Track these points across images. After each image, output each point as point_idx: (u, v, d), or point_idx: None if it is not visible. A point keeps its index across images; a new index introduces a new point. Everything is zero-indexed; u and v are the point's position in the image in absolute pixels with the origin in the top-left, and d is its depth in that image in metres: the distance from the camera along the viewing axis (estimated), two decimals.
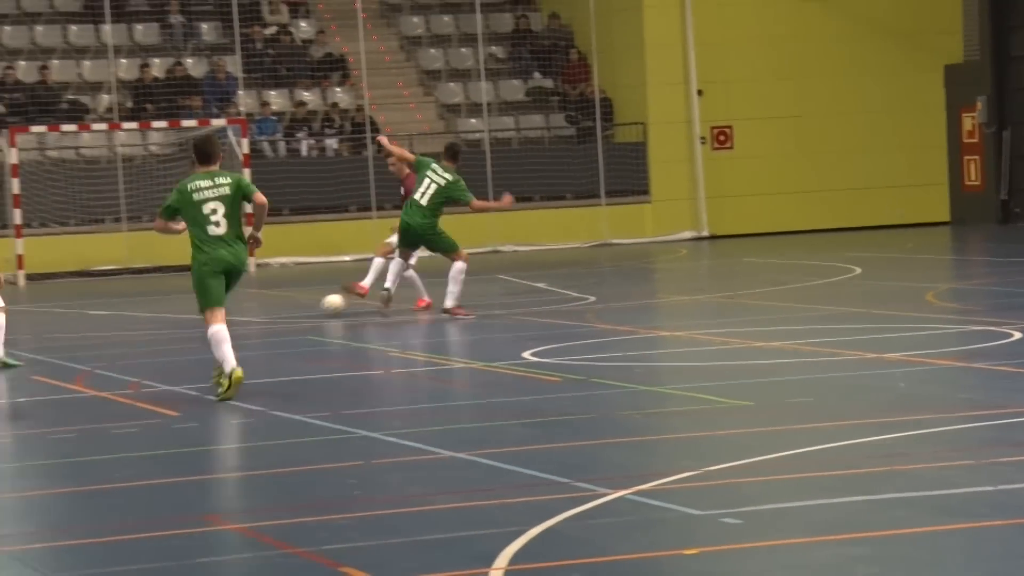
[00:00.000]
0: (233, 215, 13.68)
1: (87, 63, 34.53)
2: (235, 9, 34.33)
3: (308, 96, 35.33)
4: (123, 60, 34.55)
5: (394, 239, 20.38)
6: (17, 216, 29.95)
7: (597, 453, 10.82)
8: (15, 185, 29.95)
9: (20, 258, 29.87)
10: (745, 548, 8.14)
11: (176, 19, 35.51)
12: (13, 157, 30.05)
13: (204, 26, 35.76)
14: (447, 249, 19.70)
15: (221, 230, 13.55)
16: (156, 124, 32.33)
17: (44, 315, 23.70)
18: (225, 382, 13.40)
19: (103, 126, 32.38)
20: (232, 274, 13.81)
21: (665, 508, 8.97)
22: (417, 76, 36.76)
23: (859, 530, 8.27)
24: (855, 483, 9.41)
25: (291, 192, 32.82)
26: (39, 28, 34.91)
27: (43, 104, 32.96)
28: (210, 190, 13.64)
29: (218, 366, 13.55)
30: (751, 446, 10.69)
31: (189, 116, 32.76)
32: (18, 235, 29.90)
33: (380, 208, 33.25)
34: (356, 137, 34.24)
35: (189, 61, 34.90)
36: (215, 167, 13.82)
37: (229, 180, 13.78)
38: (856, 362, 14.33)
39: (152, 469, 10.91)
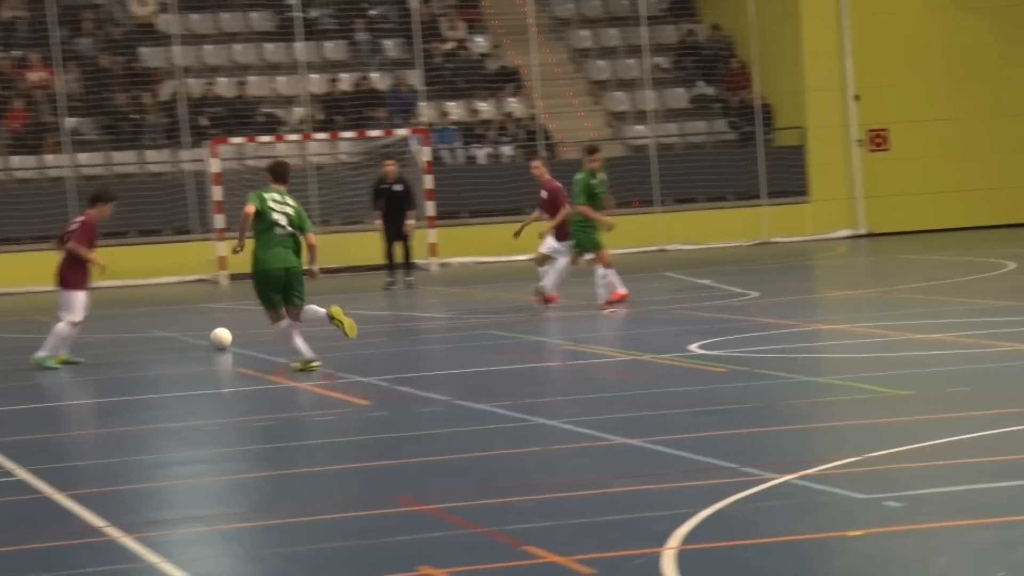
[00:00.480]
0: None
1: (281, 79, 35.03)
2: (416, 26, 34.62)
3: (484, 106, 35.49)
4: (314, 75, 35.00)
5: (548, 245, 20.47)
6: (219, 221, 30.47)
7: (763, 440, 10.75)
8: (217, 192, 30.48)
9: (222, 259, 30.39)
10: (907, 530, 8.04)
11: (362, 36, 35.88)
12: (215, 166, 30.61)
13: (388, 43, 36.08)
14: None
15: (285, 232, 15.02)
16: (345, 134, 32.72)
17: (244, 312, 24.09)
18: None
19: (296, 137, 32.84)
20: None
21: (829, 492, 8.88)
22: (586, 86, 36.75)
23: (1018, 513, 8.13)
24: (1014, 468, 9.24)
25: (469, 196, 33.03)
26: (237, 47, 35.49)
27: (241, 117, 33.52)
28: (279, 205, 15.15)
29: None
30: (911, 433, 10.55)
31: (374, 127, 33.09)
32: (220, 238, 30.42)
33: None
34: (529, 144, 34.32)
35: (374, 75, 35.25)
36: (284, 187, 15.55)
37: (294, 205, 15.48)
38: (1012, 353, 14.07)
39: (347, 454, 11.05)
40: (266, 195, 15.33)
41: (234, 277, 30.27)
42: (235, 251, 15.72)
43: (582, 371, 15.10)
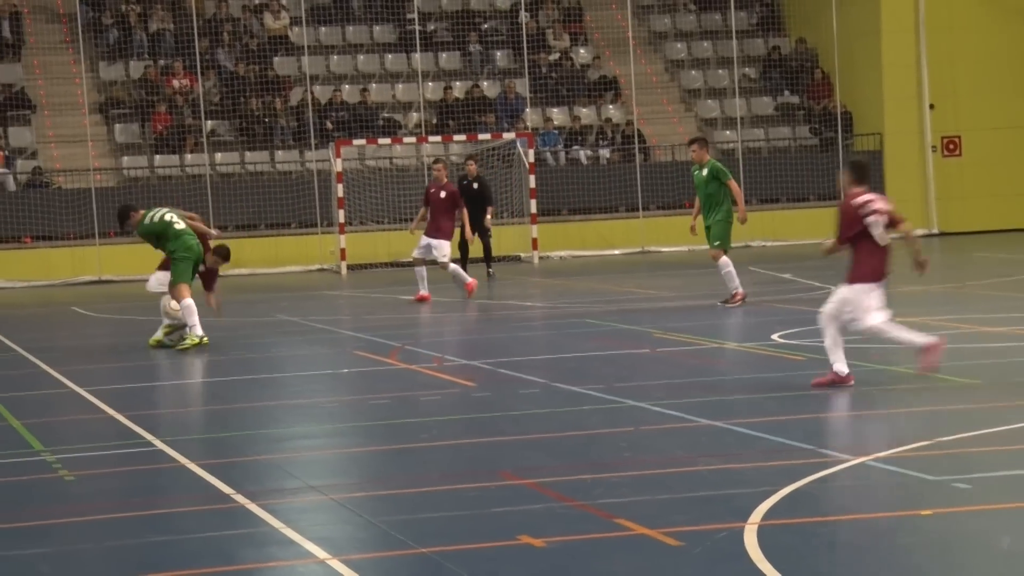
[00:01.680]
0: None
1: (400, 86, 35.15)
2: (524, 39, 34.59)
3: (585, 112, 35.39)
4: (430, 83, 35.08)
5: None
6: (341, 215, 30.63)
7: (839, 424, 10.59)
8: (339, 189, 30.64)
9: (343, 251, 30.56)
10: (975, 511, 7.88)
11: (474, 48, 35.91)
12: (338, 166, 30.77)
13: (498, 53, 36.08)
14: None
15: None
16: (456, 137, 32.75)
17: (363, 299, 24.21)
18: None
19: (412, 139, 32.91)
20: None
21: (901, 474, 8.72)
22: (679, 94, 36.54)
23: None
24: None
25: (570, 195, 32.99)
26: (361, 57, 35.66)
27: (363, 121, 33.66)
28: None
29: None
30: (980, 419, 10.34)
31: (484, 131, 33.09)
32: (341, 231, 30.59)
33: (646, 209, 33.18)
34: (626, 148, 34.19)
35: (485, 84, 35.26)
36: None
37: None
38: None
39: (453, 431, 11.04)
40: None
41: (351, 267, 30.44)
42: None
43: (670, 357, 14.99)
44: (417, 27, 34.61)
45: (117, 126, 33.20)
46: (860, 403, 11.43)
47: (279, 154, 33.30)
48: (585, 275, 26.64)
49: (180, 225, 17.16)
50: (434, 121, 34.27)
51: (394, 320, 20.10)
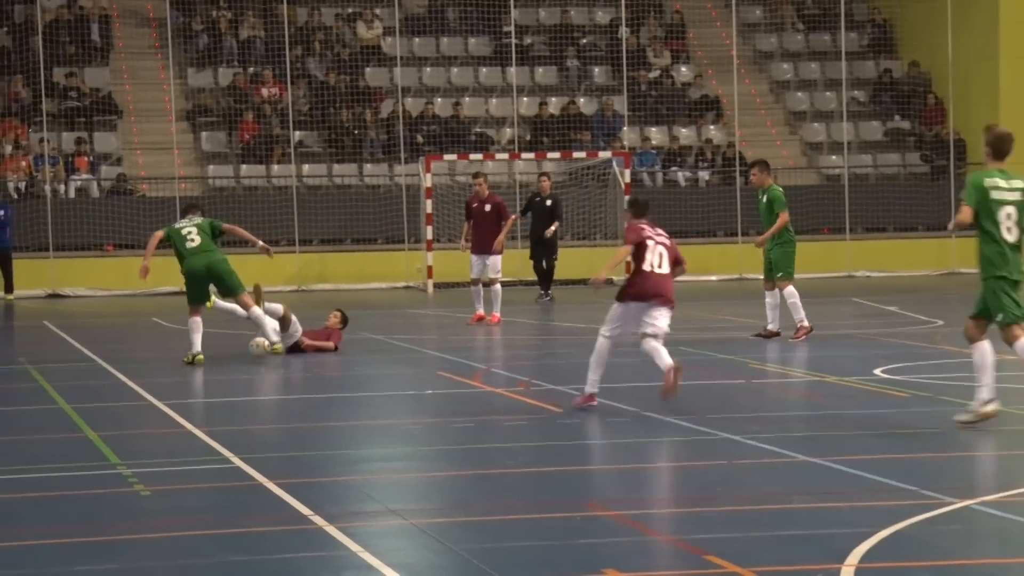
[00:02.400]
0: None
1: (493, 100, 35.29)
2: (624, 55, 34.60)
3: (684, 133, 35.32)
4: (524, 98, 35.19)
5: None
6: (428, 232, 30.76)
7: (943, 464, 10.46)
8: (428, 205, 30.76)
9: (429, 269, 30.66)
10: None
11: (572, 63, 35.97)
12: (428, 181, 30.89)
13: (596, 69, 36.14)
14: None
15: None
16: (551, 155, 32.79)
17: (449, 319, 24.28)
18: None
19: (505, 156, 33.02)
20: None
21: (1009, 519, 8.59)
22: (784, 116, 36.36)
23: None
24: None
25: (666, 217, 32.82)
26: (454, 70, 35.85)
27: (454, 136, 33.83)
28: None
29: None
30: None
31: (579, 148, 33.12)
32: (428, 248, 30.70)
33: (746, 234, 33.02)
34: (726, 170, 34.07)
35: (581, 100, 35.31)
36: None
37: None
38: None
39: (538, 458, 11.02)
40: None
41: (438, 286, 30.53)
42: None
43: (767, 390, 14.88)
44: (513, 40, 34.73)
45: (203, 134, 33.62)
46: (966, 444, 11.28)
47: (367, 167, 33.53)
48: (679, 301, 26.45)
49: (192, 243, 17.61)
50: (528, 137, 34.35)
51: (479, 341, 20.13)
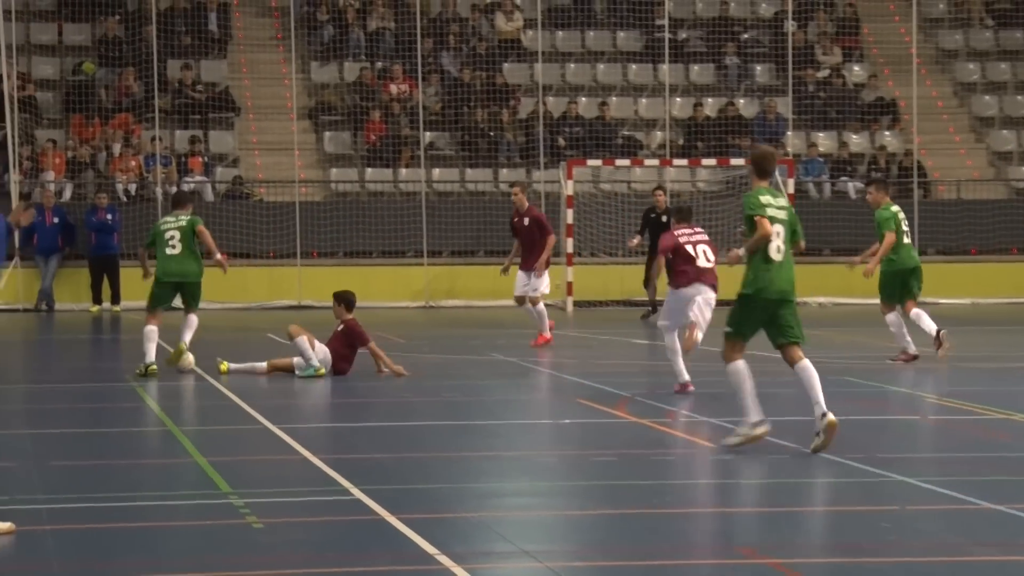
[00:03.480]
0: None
1: (643, 101, 35.28)
2: (790, 52, 34.39)
3: (856, 139, 35.02)
4: (678, 99, 35.14)
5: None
6: (569, 245, 30.81)
7: None
8: (569, 215, 30.83)
9: (569, 285, 30.69)
10: None
11: (731, 61, 35.85)
12: (569, 188, 30.95)
13: (758, 68, 35.97)
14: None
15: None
16: (705, 161, 32.71)
17: (590, 341, 24.26)
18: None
19: (655, 162, 32.99)
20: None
21: None
22: (969, 122, 35.90)
23: None
24: None
25: (834, 232, 32.59)
26: (601, 67, 35.89)
27: (599, 139, 33.87)
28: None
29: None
30: None
31: (737, 155, 32.98)
32: (569, 263, 30.75)
33: (923, 253, 32.55)
34: (903, 182, 33.67)
35: (741, 101, 35.17)
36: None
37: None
38: None
39: (688, 497, 10.98)
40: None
41: (578, 304, 30.55)
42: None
43: (945, 427, 14.68)
44: (667, 35, 34.70)
45: (327, 134, 34.02)
46: None
47: (503, 172, 33.68)
48: (848, 326, 26.26)
49: (173, 249, 18.84)
50: (680, 142, 34.29)
51: (624, 366, 20.09)
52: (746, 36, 36.28)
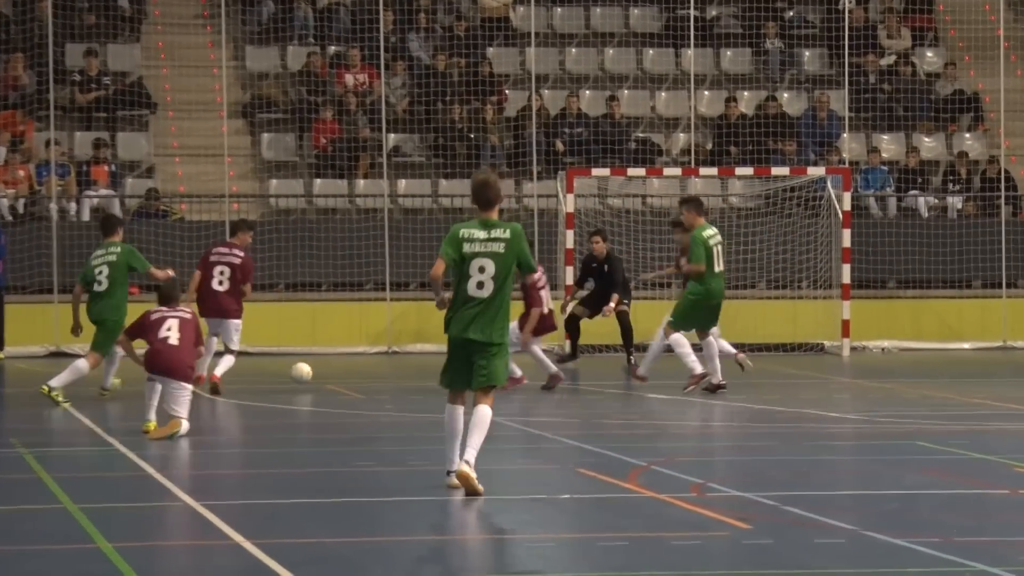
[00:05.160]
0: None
1: (662, 94, 35.38)
2: (845, 34, 34.48)
3: (928, 142, 35.13)
4: (706, 92, 35.25)
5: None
6: (568, 275, 30.79)
7: None
8: (569, 237, 30.82)
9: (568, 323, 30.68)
10: None
11: (772, 45, 35.95)
12: (569, 204, 30.93)
13: (807, 53, 36.09)
14: None
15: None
16: (740, 171, 32.68)
17: (594, 394, 24.26)
18: None
19: (675, 171, 32.95)
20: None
21: None
22: None
23: None
24: None
25: (901, 260, 32.68)
26: (609, 51, 35.99)
27: (607, 142, 33.88)
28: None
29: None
30: None
31: (780, 163, 33.05)
32: (568, 294, 30.71)
33: (1013, 286, 32.70)
34: (988, 196, 33.78)
35: (785, 96, 35.28)
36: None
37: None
38: None
39: None
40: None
41: (581, 349, 30.55)
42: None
43: None
44: (692, 12, 34.83)
45: (265, 136, 34.09)
46: None
47: None
48: (919, 377, 26.29)
49: (100, 286, 20.68)
50: (708, 146, 34.37)
51: (636, 427, 20.10)
52: (791, 14, 36.44)
